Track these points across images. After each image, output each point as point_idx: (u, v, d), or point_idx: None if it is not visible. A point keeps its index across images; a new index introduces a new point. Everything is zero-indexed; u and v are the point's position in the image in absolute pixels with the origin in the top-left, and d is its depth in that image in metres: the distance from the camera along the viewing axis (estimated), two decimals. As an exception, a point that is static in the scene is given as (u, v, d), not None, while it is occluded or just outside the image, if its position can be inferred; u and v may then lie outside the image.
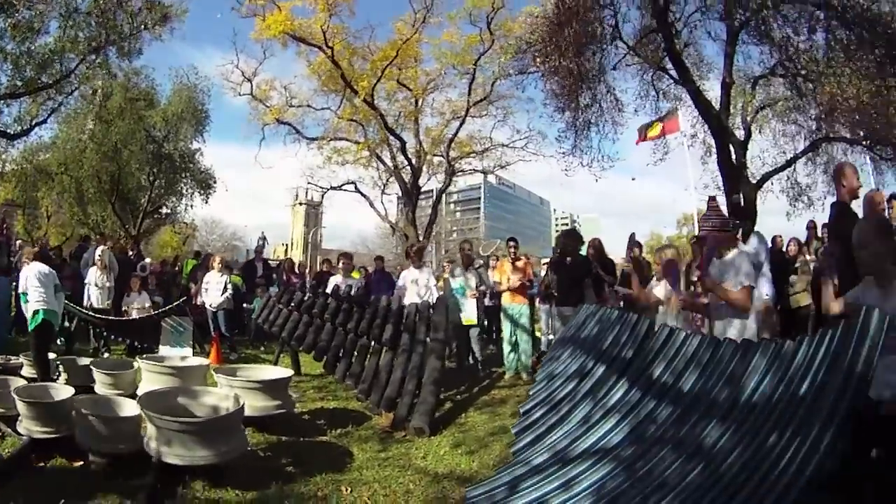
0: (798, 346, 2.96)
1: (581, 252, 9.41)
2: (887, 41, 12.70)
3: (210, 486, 4.60)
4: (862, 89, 13.60)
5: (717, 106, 15.29)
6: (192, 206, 27.79)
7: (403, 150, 22.92)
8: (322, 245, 64.83)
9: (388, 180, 24.88)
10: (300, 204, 27.66)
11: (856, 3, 12.84)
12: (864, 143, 15.82)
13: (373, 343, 7.85)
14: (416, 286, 9.46)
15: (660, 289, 6.11)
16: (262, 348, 12.57)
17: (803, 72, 14.95)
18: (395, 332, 7.67)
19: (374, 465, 5.29)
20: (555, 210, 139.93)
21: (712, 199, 5.32)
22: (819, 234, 11.06)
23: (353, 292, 8.96)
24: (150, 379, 6.47)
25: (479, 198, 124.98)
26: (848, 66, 13.57)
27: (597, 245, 9.87)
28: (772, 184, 17.69)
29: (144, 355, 7.82)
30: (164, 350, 8.54)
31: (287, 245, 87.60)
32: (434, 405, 6.64)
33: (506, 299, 9.61)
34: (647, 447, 3.33)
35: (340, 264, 11.15)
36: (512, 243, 10.11)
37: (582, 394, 4.27)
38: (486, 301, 10.95)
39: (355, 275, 13.13)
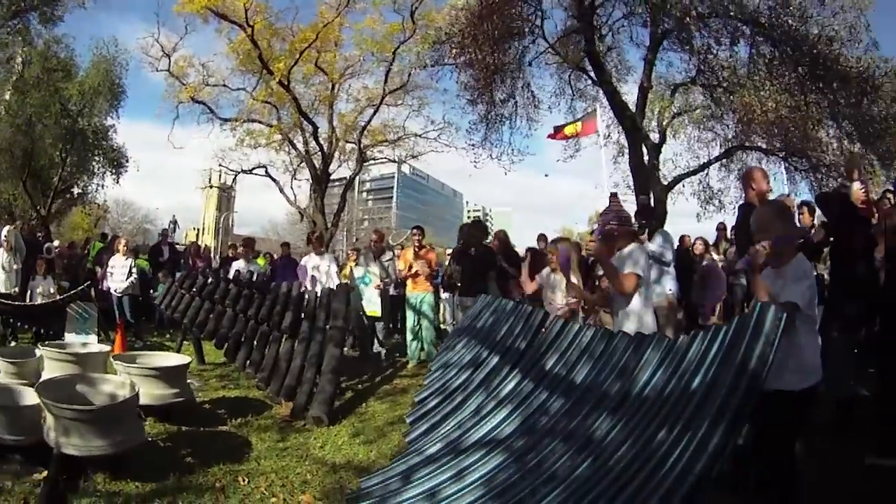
0: (692, 341, 2.92)
1: (486, 243, 9.32)
2: (811, 60, 13.15)
3: (111, 479, 4.40)
4: (781, 103, 14.08)
5: (633, 108, 15.59)
6: (103, 185, 26.27)
7: (315, 136, 22.51)
8: (234, 230, 63.29)
9: (299, 165, 24.42)
10: (211, 187, 26.64)
11: (784, 21, 13.25)
12: (779, 153, 16.44)
13: (273, 330, 7.60)
14: (317, 273, 9.22)
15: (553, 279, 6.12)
16: (168, 336, 12.04)
17: (724, 84, 15.42)
18: (294, 320, 7.47)
19: (272, 455, 5.17)
20: (467, 202, 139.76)
21: (613, 195, 5.36)
22: (728, 236, 11.43)
23: (254, 278, 8.68)
24: (51, 367, 6.08)
25: (392, 187, 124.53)
26: (770, 80, 14.05)
27: (502, 237, 9.80)
28: (683, 186, 18.46)
29: (47, 342, 7.37)
30: (69, 337, 8.06)
31: (199, 229, 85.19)
32: (333, 394, 6.49)
33: (409, 288, 9.47)
34: (537, 439, 3.27)
35: (240, 249, 10.81)
36: (416, 231, 9.93)
37: (475, 384, 4.22)
38: (391, 291, 10.78)
39: (260, 261, 12.83)
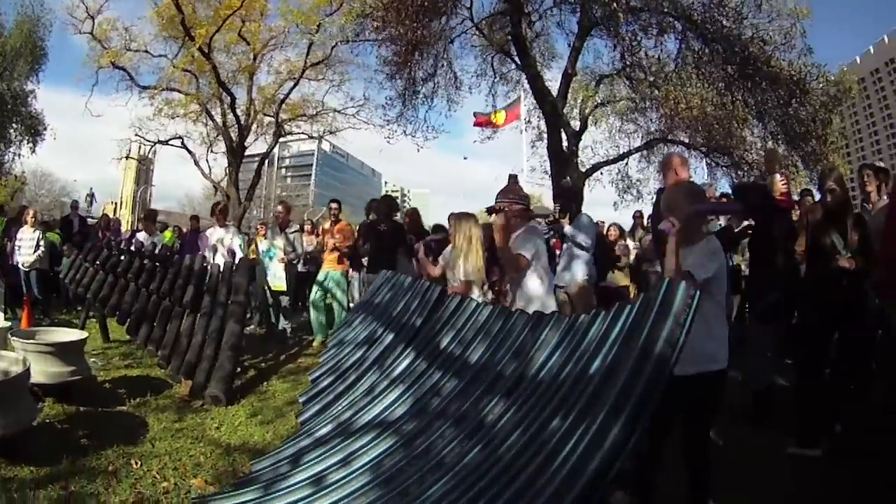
0: (593, 320, 2.67)
1: (397, 220, 8.95)
2: (742, 60, 13.23)
3: (6, 464, 4.06)
4: (707, 100, 14.40)
5: (555, 94, 15.46)
6: (20, 154, 25.21)
7: (233, 107, 21.82)
8: (151, 205, 61.10)
9: (215, 138, 23.72)
10: (128, 158, 25.17)
11: (718, 20, 13.27)
12: (701, 148, 16.67)
13: (175, 305, 7.17)
14: (220, 246, 8.77)
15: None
16: (76, 312, 11.13)
17: (650, 78, 15.46)
18: (196, 294, 7.05)
19: (167, 437, 4.88)
20: (386, 182, 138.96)
21: (513, 177, 5.19)
22: (645, 224, 11.47)
23: (156, 251, 8.19)
24: (-48, 345, 5.60)
25: (311, 164, 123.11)
26: (697, 76, 14.30)
27: (413, 214, 9.41)
28: (601, 174, 18.61)
29: (-51, 319, 6.78)
30: (-25, 314, 7.45)
31: (116, 203, 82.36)
32: (232, 372, 6.16)
33: (324, 264, 9.06)
34: (428, 422, 3.05)
35: (140, 224, 10.23)
36: (334, 205, 9.50)
37: (369, 362, 4.00)
38: (300, 267, 10.36)
39: (167, 234, 12.26)
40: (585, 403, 2.29)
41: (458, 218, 5.48)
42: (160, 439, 4.84)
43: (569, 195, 8.49)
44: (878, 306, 4.81)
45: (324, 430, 3.66)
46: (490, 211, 4.81)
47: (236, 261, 7.72)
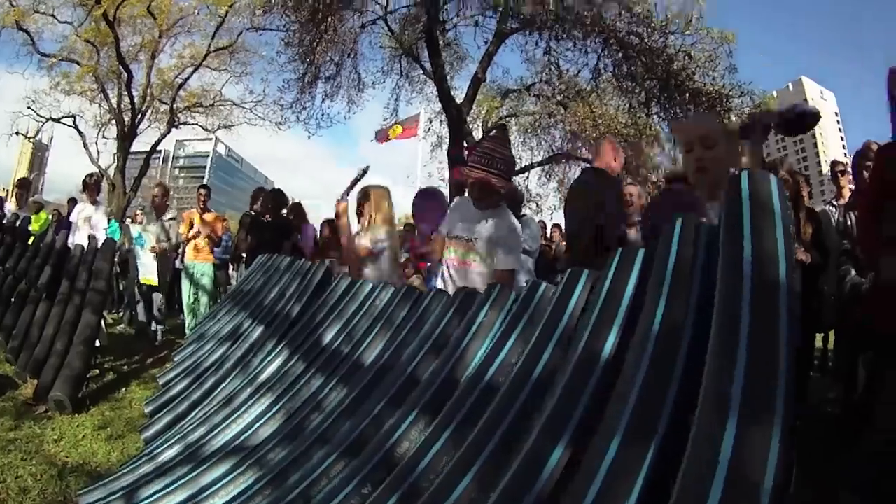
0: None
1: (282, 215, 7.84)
2: (666, 74, 12.97)
3: None
4: (616, 119, 14.34)
5: (459, 100, 14.95)
6: None
7: (129, 86, 20.30)
8: (43, 195, 57.27)
9: (108, 121, 21.98)
10: (18, 134, 22.58)
11: (643, 33, 12.99)
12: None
13: (31, 289, 5.90)
14: (87, 225, 7.40)
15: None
16: None
17: (559, 96, 15.27)
18: (53, 276, 5.81)
19: None
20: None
21: (503, 127, 4.19)
22: (547, 235, 10.91)
23: (17, 224, 6.82)
24: None
25: (205, 166, 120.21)
26: (617, 90, 14.16)
27: (297, 209, 8.21)
28: None
29: None
30: None
31: (7, 191, 77.07)
32: (82, 372, 5.01)
33: (189, 256, 7.81)
34: (305, 448, 2.08)
35: (14, 194, 8.78)
36: (203, 191, 8.25)
37: (231, 362, 3.00)
38: (178, 263, 9.03)
39: (42, 216, 10.78)
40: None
41: (368, 187, 4.51)
42: (-13, 452, 3.82)
43: (513, 197, 7.46)
44: (833, 303, 4.43)
45: (170, 453, 2.66)
46: (457, 184, 3.77)
47: (99, 242, 6.38)
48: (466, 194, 3.62)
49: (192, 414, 2.83)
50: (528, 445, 1.35)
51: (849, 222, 4.68)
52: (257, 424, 2.39)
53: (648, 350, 1.28)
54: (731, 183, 1.45)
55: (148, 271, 7.42)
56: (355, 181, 4.27)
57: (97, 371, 5.90)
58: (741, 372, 1.07)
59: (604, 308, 1.53)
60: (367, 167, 4.25)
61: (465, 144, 14.80)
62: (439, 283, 3.52)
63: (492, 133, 3.58)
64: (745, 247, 1.27)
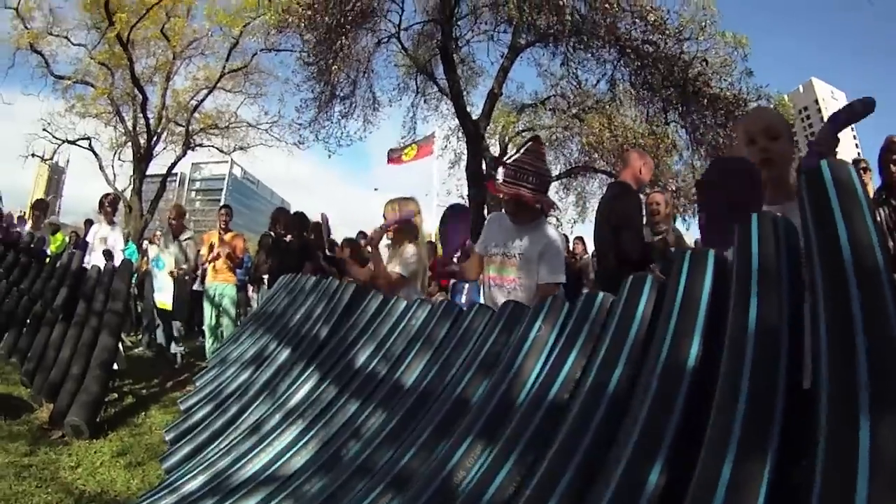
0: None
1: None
2: (683, 80, 12.86)
3: None
4: (632, 129, 14.23)
5: (476, 114, 15.00)
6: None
7: (144, 108, 20.45)
8: (60, 218, 57.64)
9: (124, 143, 22.15)
10: (33, 156, 22.68)
11: (659, 41, 12.89)
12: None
13: (47, 310, 5.79)
14: (103, 245, 7.27)
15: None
16: None
17: (574, 109, 15.26)
18: (69, 298, 5.72)
19: (9, 476, 3.75)
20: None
21: (536, 139, 3.94)
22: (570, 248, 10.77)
23: (32, 245, 6.72)
24: None
25: (222, 189, 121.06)
26: (635, 99, 14.05)
27: (318, 228, 8.06)
28: None
29: None
30: None
31: (24, 213, 77.74)
32: (100, 396, 4.93)
33: (209, 277, 7.68)
34: (344, 480, 1.90)
35: (31, 216, 8.71)
36: (224, 211, 8.11)
37: (257, 387, 2.81)
38: (196, 286, 8.87)
39: (59, 237, 10.72)
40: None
41: (395, 201, 4.36)
42: (1, 479, 3.71)
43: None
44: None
45: (194, 484, 2.47)
46: (478, 201, 3.66)
47: (116, 262, 6.26)
48: (503, 210, 3.53)
49: (217, 442, 2.66)
50: (622, 468, 1.21)
51: (877, 219, 4.48)
52: (289, 453, 2.21)
53: (748, 354, 1.16)
54: (808, 171, 1.33)
55: (164, 295, 7.30)
56: (404, 220, 4.15)
57: (115, 395, 5.83)
58: (864, 362, 0.97)
59: (682, 314, 1.39)
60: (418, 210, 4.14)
61: (483, 160, 14.71)
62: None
63: (527, 146, 3.40)
64: (840, 233, 1.16)
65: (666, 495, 1.14)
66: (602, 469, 1.26)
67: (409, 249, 4.16)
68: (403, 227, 4.24)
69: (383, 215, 4.34)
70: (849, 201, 1.21)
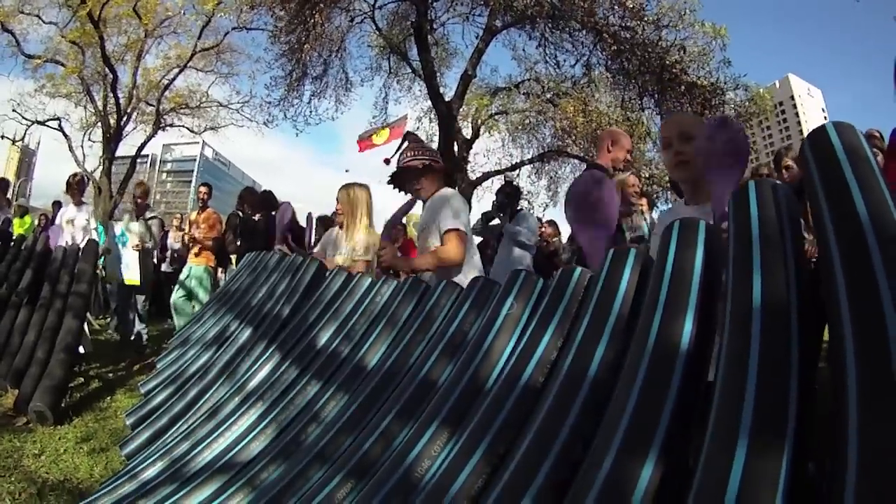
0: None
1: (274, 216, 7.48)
2: (661, 67, 12.73)
3: None
4: (606, 115, 14.10)
5: (449, 96, 14.68)
6: None
7: (115, 87, 19.92)
8: (30, 201, 56.47)
9: (94, 124, 21.59)
10: (3, 138, 22.09)
11: (637, 26, 12.70)
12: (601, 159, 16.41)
13: (13, 293, 5.59)
14: (71, 227, 6.99)
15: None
16: None
17: (548, 94, 15.10)
18: (34, 280, 5.52)
19: None
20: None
21: (410, 134, 3.92)
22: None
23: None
24: None
25: (192, 170, 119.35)
26: (612, 84, 14.01)
27: (288, 207, 7.86)
28: (492, 183, 17.73)
29: None
30: None
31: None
32: (63, 381, 4.71)
33: (190, 258, 7.43)
34: (302, 467, 1.78)
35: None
36: (204, 189, 7.86)
37: (217, 369, 2.68)
38: (164, 267, 8.62)
39: (27, 220, 10.46)
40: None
41: (345, 187, 4.22)
42: (-37, 468, 3.53)
43: (515, 192, 7.12)
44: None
45: (152, 471, 2.34)
46: (394, 182, 3.58)
47: (82, 243, 6.00)
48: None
49: (176, 426, 2.52)
50: (610, 461, 1.06)
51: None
52: (247, 439, 2.08)
53: (755, 331, 1.02)
54: (817, 134, 1.21)
55: (130, 270, 7.03)
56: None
57: (81, 379, 5.59)
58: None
59: (673, 289, 1.25)
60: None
61: (455, 142, 14.55)
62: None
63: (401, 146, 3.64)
64: (856, 199, 1.03)
65: (661, 491, 1.01)
66: (588, 463, 1.12)
67: (359, 235, 4.06)
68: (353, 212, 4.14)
69: (337, 199, 4.23)
70: (863, 167, 1.09)
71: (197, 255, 7.31)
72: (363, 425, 1.75)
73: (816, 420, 0.99)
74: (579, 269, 1.61)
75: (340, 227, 4.28)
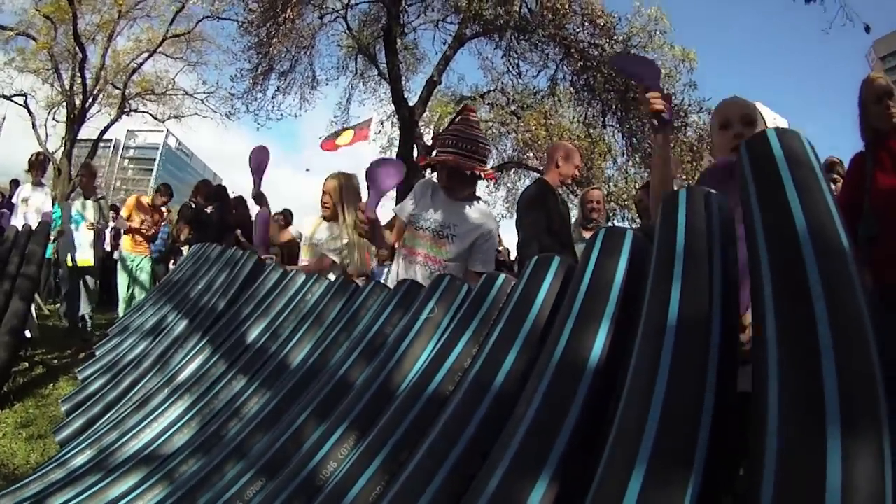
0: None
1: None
2: (624, 87, 12.71)
3: None
4: (569, 130, 14.17)
5: (414, 101, 14.59)
6: None
7: (83, 66, 19.26)
8: (-10, 179, 54.79)
9: (60, 104, 20.92)
10: None
11: (601, 45, 12.71)
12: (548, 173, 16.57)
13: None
14: (25, 206, 6.77)
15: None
16: None
17: (513, 107, 15.07)
18: (-15, 262, 5.34)
19: None
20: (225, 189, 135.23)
21: (466, 107, 3.47)
22: None
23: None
24: None
25: (155, 158, 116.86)
26: (575, 101, 13.89)
27: (240, 204, 7.71)
28: None
29: None
30: None
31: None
32: (7, 364, 4.54)
33: (126, 245, 7.25)
34: (219, 461, 1.76)
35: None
36: (163, 188, 7.71)
37: (151, 360, 2.64)
38: (116, 254, 8.39)
39: (-16, 199, 10.16)
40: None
41: (333, 176, 3.96)
42: None
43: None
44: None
45: (81, 459, 2.30)
46: (430, 165, 3.08)
47: (34, 223, 5.80)
48: (436, 178, 3.09)
49: (107, 415, 2.48)
50: (497, 480, 1.01)
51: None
52: (171, 431, 2.05)
53: (667, 347, 0.95)
54: (753, 141, 1.16)
55: (84, 252, 6.83)
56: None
57: (25, 364, 5.40)
58: (831, 363, 0.76)
59: (588, 300, 1.20)
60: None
61: (414, 147, 14.52)
62: (393, 277, 2.94)
63: (459, 116, 3.08)
64: (794, 209, 0.97)
65: None
66: (478, 479, 1.07)
67: (334, 231, 3.79)
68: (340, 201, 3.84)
69: (324, 190, 4.02)
70: (805, 175, 1.03)
71: (137, 245, 7.25)
72: (280, 422, 1.74)
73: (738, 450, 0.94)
74: (503, 275, 1.56)
75: (325, 220, 3.94)
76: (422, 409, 1.37)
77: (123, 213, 7.21)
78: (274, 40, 13.57)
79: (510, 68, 14.45)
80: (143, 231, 7.14)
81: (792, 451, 0.73)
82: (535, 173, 16.26)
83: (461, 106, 3.40)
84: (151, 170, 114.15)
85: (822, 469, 0.68)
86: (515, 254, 8.41)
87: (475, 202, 3.05)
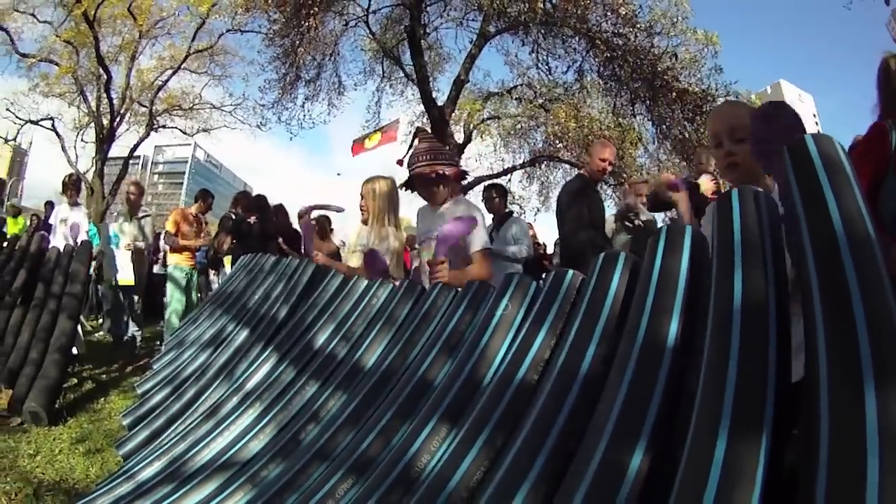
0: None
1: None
2: (652, 74, 12.76)
3: None
4: (598, 121, 14.07)
5: (442, 101, 14.77)
6: None
7: (108, 87, 19.84)
8: (23, 201, 56.11)
9: (87, 124, 21.55)
10: (1, 140, 22.23)
11: (629, 33, 12.75)
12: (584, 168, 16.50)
13: (6, 294, 5.54)
14: (63, 227, 6.95)
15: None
16: None
17: (540, 100, 15.13)
18: (28, 281, 5.48)
19: None
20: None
21: (420, 129, 3.84)
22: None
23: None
24: None
25: (184, 172, 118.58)
26: (603, 90, 14.01)
27: (281, 212, 7.79)
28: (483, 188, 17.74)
29: None
30: None
31: (-16, 195, 75.74)
32: (58, 381, 4.72)
33: (171, 259, 7.38)
34: (303, 464, 1.80)
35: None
36: (201, 195, 7.93)
37: (215, 370, 2.69)
38: (157, 268, 8.58)
39: (20, 220, 10.43)
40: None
41: (370, 180, 4.06)
42: (-40, 469, 3.54)
43: (503, 192, 6.98)
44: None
45: (150, 471, 2.35)
46: (407, 185, 3.43)
47: (76, 243, 5.97)
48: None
49: (174, 426, 2.54)
50: (600, 451, 1.13)
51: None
52: (246, 437, 2.11)
53: (735, 332, 1.08)
54: (795, 146, 1.28)
55: (125, 271, 7.00)
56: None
57: (74, 380, 5.61)
58: (864, 332, 0.91)
59: (660, 291, 1.32)
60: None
61: (447, 147, 14.55)
62: None
63: (414, 139, 3.58)
64: (830, 205, 1.11)
65: (649, 480, 1.07)
66: (578, 453, 1.19)
67: (376, 230, 3.90)
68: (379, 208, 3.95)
69: (361, 194, 4.10)
70: (837, 175, 1.16)
71: (184, 255, 7.32)
72: (362, 423, 1.79)
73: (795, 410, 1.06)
74: (571, 271, 1.66)
75: (364, 223, 4.09)
76: (512, 398, 1.45)
77: (169, 227, 7.29)
78: (299, 49, 13.73)
79: (539, 64, 14.48)
80: (192, 244, 7.28)
81: (837, 409, 0.87)
82: (566, 165, 16.25)
83: (414, 132, 3.79)
84: (182, 183, 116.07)
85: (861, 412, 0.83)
86: (554, 247, 8.39)
87: (456, 202, 3.32)
